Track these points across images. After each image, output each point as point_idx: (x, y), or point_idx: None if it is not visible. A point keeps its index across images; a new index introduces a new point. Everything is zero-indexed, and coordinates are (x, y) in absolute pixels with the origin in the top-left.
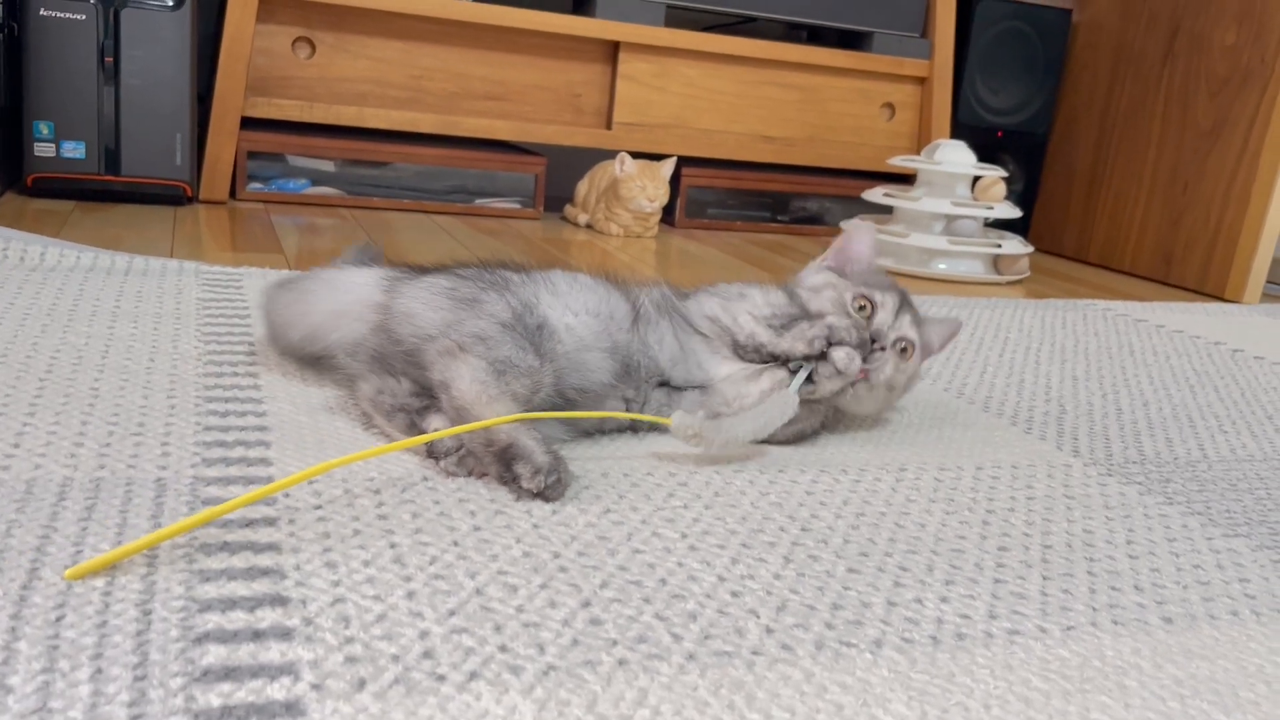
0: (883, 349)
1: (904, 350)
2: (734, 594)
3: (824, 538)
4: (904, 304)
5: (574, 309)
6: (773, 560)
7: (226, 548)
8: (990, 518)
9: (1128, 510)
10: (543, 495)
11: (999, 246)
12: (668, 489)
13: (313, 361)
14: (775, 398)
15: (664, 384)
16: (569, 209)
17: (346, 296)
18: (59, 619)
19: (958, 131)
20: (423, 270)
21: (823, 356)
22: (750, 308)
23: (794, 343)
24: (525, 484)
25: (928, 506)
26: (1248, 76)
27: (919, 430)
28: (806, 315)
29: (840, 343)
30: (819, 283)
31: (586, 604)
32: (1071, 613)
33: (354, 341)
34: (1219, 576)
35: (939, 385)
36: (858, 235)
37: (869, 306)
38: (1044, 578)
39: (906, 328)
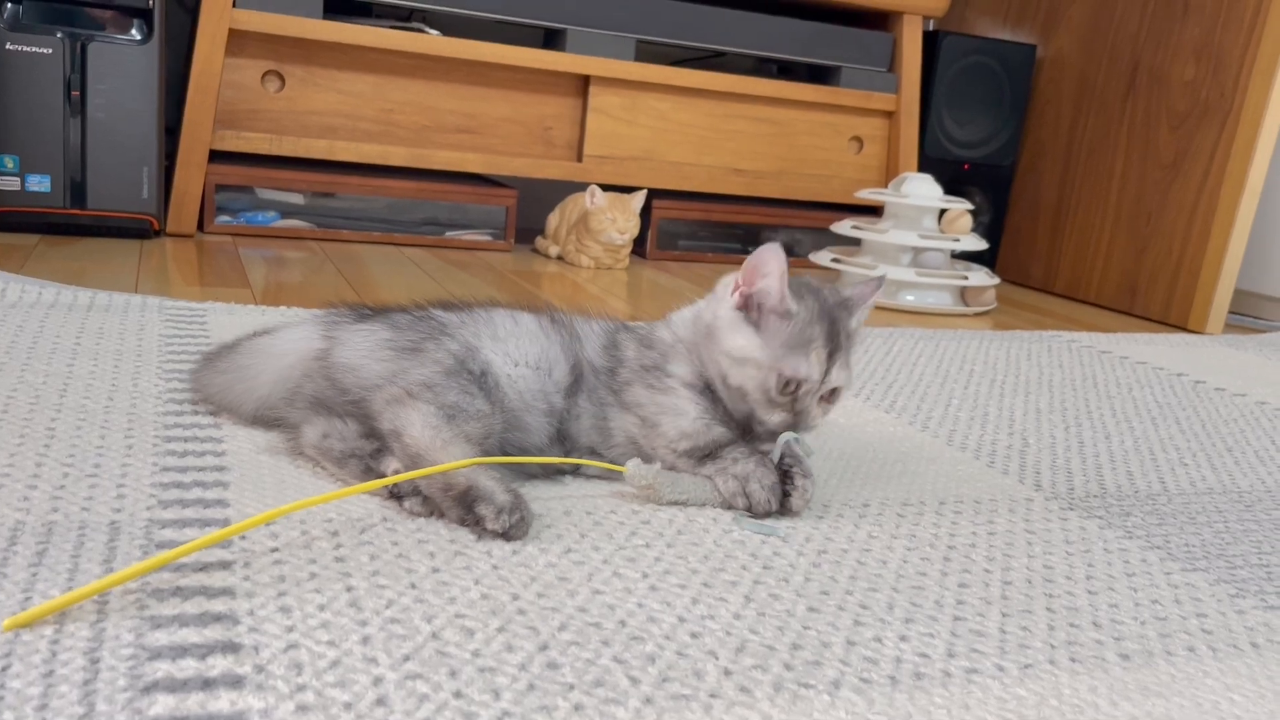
0: (808, 414)
1: (833, 392)
2: (693, 635)
3: (785, 576)
4: (834, 350)
5: (514, 358)
6: (733, 600)
7: (180, 593)
8: (951, 554)
9: (1088, 545)
10: (506, 535)
11: (966, 278)
12: (630, 527)
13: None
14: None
15: (596, 454)
16: (540, 241)
17: (287, 360)
18: (4, 669)
19: (925, 164)
20: (360, 315)
21: (785, 497)
22: (667, 443)
23: (715, 479)
24: (489, 525)
25: (889, 543)
26: (1207, 111)
27: (883, 465)
28: (726, 390)
29: (759, 507)
30: (739, 352)
31: (544, 647)
32: (1030, 650)
33: (292, 390)
34: (1176, 612)
35: (904, 419)
36: (767, 268)
37: (794, 384)
38: (1003, 615)
39: (834, 376)
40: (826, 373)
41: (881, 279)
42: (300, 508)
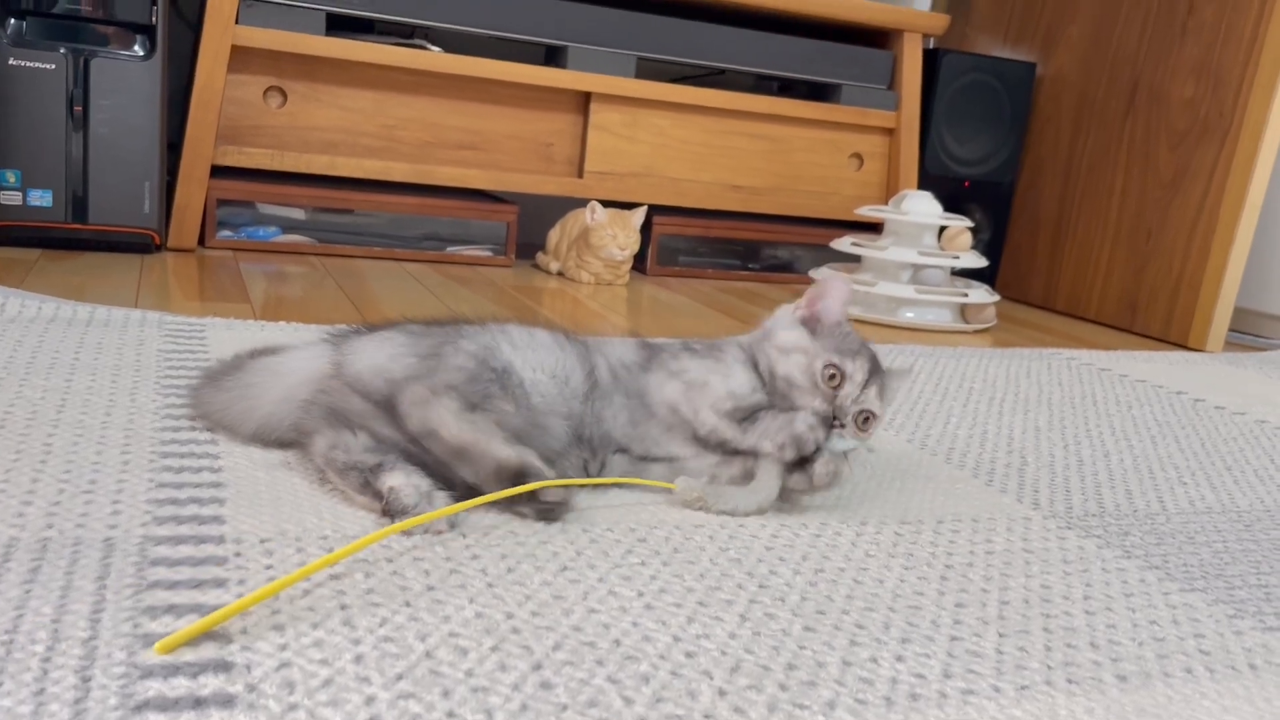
0: (842, 425)
1: (866, 420)
2: (688, 654)
3: (781, 595)
4: (873, 372)
5: (533, 365)
6: (729, 619)
7: (173, 610)
8: (949, 573)
9: (1086, 564)
10: (551, 514)
11: (966, 295)
12: (626, 545)
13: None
14: (765, 485)
15: (622, 450)
16: (541, 257)
17: (292, 379)
18: None
19: (925, 181)
20: (371, 328)
21: (802, 462)
22: (712, 401)
23: (760, 441)
24: (549, 496)
25: (886, 561)
26: (1206, 129)
27: (880, 482)
28: (773, 387)
29: (805, 445)
30: (789, 343)
31: (538, 667)
32: (1026, 671)
33: (306, 402)
34: (1174, 633)
35: (902, 436)
36: (831, 291)
37: (839, 377)
38: (1000, 635)
39: (872, 399)
40: (865, 385)
41: (912, 369)
42: (360, 548)
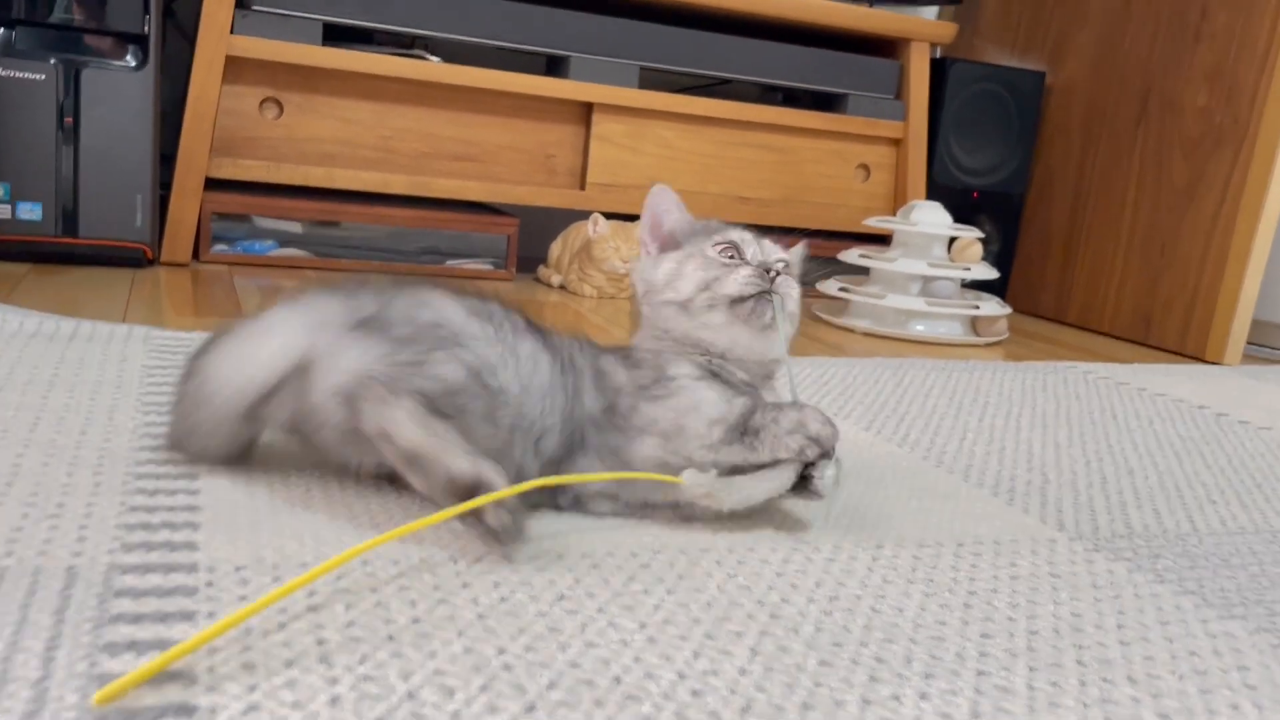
0: (779, 274)
1: (785, 267)
2: (694, 693)
3: (794, 625)
4: (756, 232)
5: (544, 410)
6: (739, 653)
7: (134, 647)
8: (972, 600)
9: (1117, 590)
10: (500, 535)
11: (976, 308)
12: (628, 571)
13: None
14: (779, 472)
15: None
16: (542, 270)
17: (259, 383)
18: None
19: (934, 192)
20: (351, 311)
21: (809, 469)
22: (699, 441)
23: (776, 451)
24: (489, 520)
25: (906, 588)
26: (1221, 138)
27: (897, 503)
28: (698, 319)
29: (826, 441)
30: (671, 268)
31: (531, 708)
32: (1061, 709)
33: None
34: (1216, 664)
35: (918, 453)
36: (659, 201)
37: (732, 248)
38: (1030, 668)
39: (774, 250)
40: (760, 242)
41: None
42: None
